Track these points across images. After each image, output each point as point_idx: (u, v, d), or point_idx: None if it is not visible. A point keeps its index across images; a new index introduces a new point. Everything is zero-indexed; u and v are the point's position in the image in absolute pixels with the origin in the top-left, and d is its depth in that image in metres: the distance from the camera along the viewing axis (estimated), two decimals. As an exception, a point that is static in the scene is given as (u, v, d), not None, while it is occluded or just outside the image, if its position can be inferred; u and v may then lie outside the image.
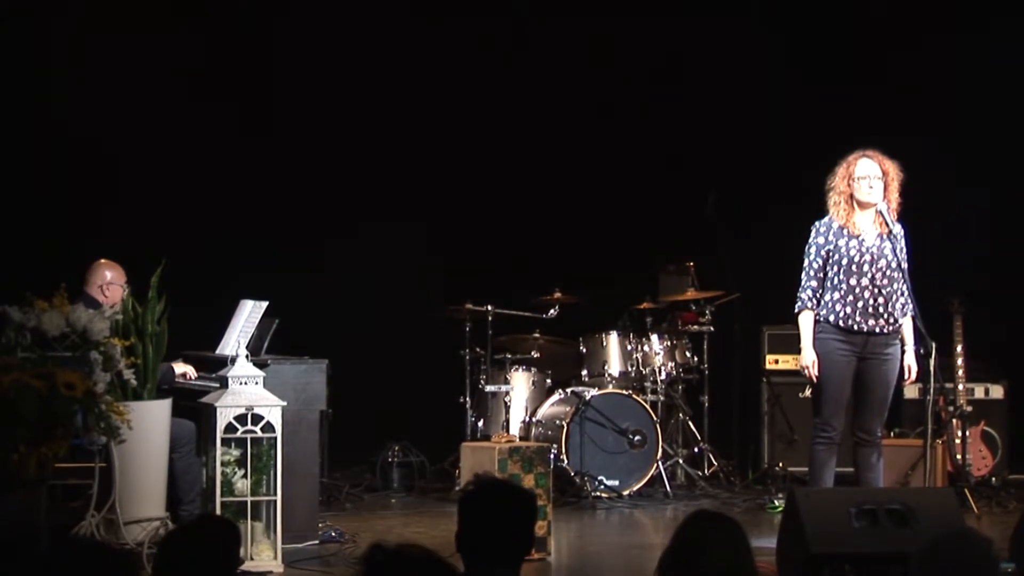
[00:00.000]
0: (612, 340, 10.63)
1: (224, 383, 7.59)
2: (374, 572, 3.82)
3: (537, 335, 10.81)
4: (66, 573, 3.89)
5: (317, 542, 8.20)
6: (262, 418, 7.46)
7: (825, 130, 10.15)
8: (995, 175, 10.92)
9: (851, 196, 7.99)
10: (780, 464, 10.59)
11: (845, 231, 8.00)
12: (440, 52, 11.44)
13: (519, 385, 10.55)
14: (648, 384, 10.56)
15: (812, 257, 8.07)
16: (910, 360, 8.09)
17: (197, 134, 11.06)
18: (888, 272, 7.97)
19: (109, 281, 8.51)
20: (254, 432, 7.44)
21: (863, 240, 7.99)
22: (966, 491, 9.39)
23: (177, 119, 11.03)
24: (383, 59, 11.51)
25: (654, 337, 10.65)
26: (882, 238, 8.00)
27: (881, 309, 7.96)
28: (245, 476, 7.44)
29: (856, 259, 7.97)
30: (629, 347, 10.61)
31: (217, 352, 8.76)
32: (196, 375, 8.52)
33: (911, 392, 10.09)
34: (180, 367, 8.53)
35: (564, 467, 9.95)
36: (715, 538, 4.30)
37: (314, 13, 11.37)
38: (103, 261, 8.62)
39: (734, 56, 11.42)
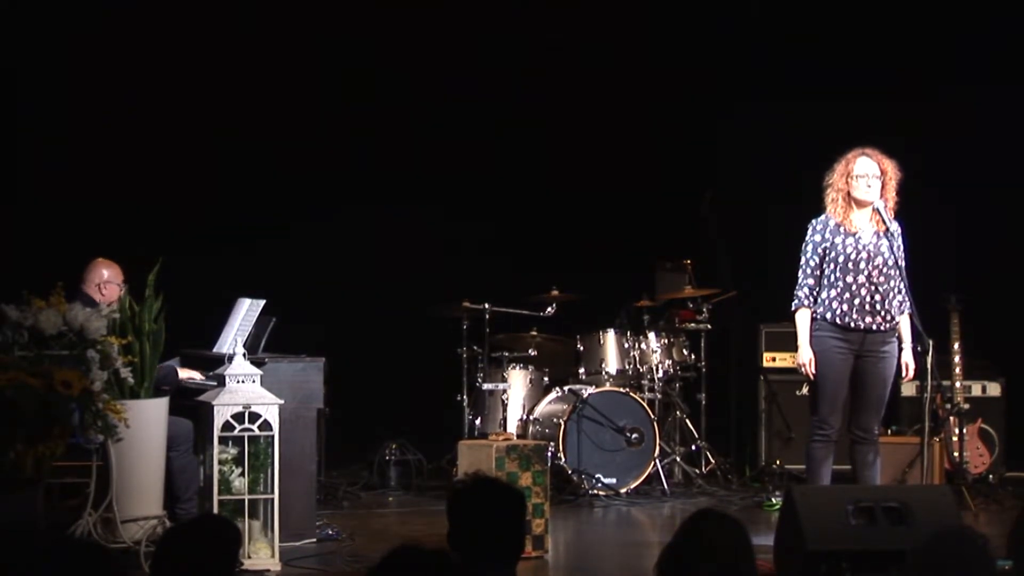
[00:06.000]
0: (609, 338, 10.63)
1: (221, 381, 7.59)
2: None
3: (534, 333, 10.81)
4: (61, 573, 3.89)
5: (314, 540, 8.19)
6: (259, 416, 7.46)
7: (824, 127, 10.14)
8: (992, 173, 10.92)
9: (848, 194, 8.00)
10: (777, 462, 10.59)
11: (842, 229, 8.00)
12: (439, 50, 11.44)
13: (516, 383, 10.56)
14: (645, 382, 10.57)
15: (809, 255, 8.07)
16: (907, 358, 8.09)
17: (195, 132, 11.06)
18: (885, 270, 7.97)
19: (106, 280, 8.50)
20: (251, 430, 7.45)
21: (860, 238, 7.99)
22: (963, 489, 9.41)
23: (175, 118, 11.03)
24: (380, 59, 11.51)
25: (651, 335, 10.66)
26: (879, 236, 8.01)
27: (878, 307, 7.96)
28: (242, 474, 7.44)
29: (853, 257, 7.97)
30: (626, 345, 10.61)
31: (214, 350, 8.76)
32: (201, 377, 8.47)
33: (908, 390, 10.10)
34: (185, 372, 8.50)
35: (561, 465, 9.95)
36: (718, 538, 4.30)
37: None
38: (100, 260, 8.62)
39: (731, 54, 11.43)
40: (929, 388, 8.42)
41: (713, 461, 10.67)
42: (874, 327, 7.97)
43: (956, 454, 9.81)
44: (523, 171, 11.57)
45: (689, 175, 11.29)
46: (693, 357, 10.81)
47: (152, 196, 10.93)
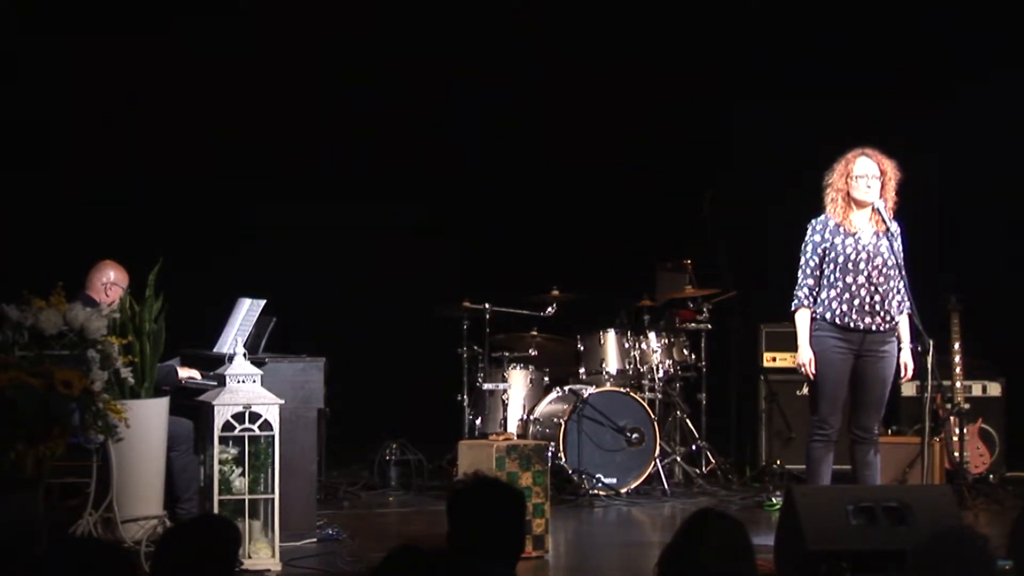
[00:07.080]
0: (610, 338, 10.63)
1: (222, 381, 7.59)
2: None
3: (535, 333, 10.81)
4: (64, 572, 3.89)
5: (315, 540, 8.19)
6: (260, 416, 7.46)
7: (824, 127, 10.14)
8: (993, 172, 10.92)
9: (848, 194, 8.00)
10: (778, 462, 10.59)
11: (842, 229, 8.00)
12: (439, 50, 11.44)
13: (517, 383, 10.55)
14: (646, 382, 10.57)
15: (809, 255, 8.07)
16: (907, 358, 8.09)
17: (195, 132, 11.07)
18: (884, 270, 7.97)
19: (113, 281, 8.50)
20: (252, 430, 7.44)
21: (859, 238, 7.99)
22: (963, 488, 9.41)
23: (175, 118, 11.04)
24: (380, 59, 11.51)
25: (652, 335, 10.65)
26: (879, 236, 8.00)
27: (878, 307, 7.96)
28: (243, 474, 7.44)
29: (852, 257, 7.97)
30: (627, 345, 10.61)
31: (215, 350, 8.76)
32: (201, 378, 8.46)
33: (908, 390, 10.10)
34: (184, 371, 8.50)
35: (562, 465, 9.95)
36: (718, 538, 4.30)
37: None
38: (108, 261, 8.61)
39: (731, 54, 11.44)
40: (929, 388, 8.42)
41: (713, 461, 10.67)
42: (874, 327, 7.97)
43: (956, 454, 9.81)
44: (523, 171, 11.57)
45: (689, 175, 11.29)
46: (693, 357, 10.80)
47: (152, 196, 10.93)
